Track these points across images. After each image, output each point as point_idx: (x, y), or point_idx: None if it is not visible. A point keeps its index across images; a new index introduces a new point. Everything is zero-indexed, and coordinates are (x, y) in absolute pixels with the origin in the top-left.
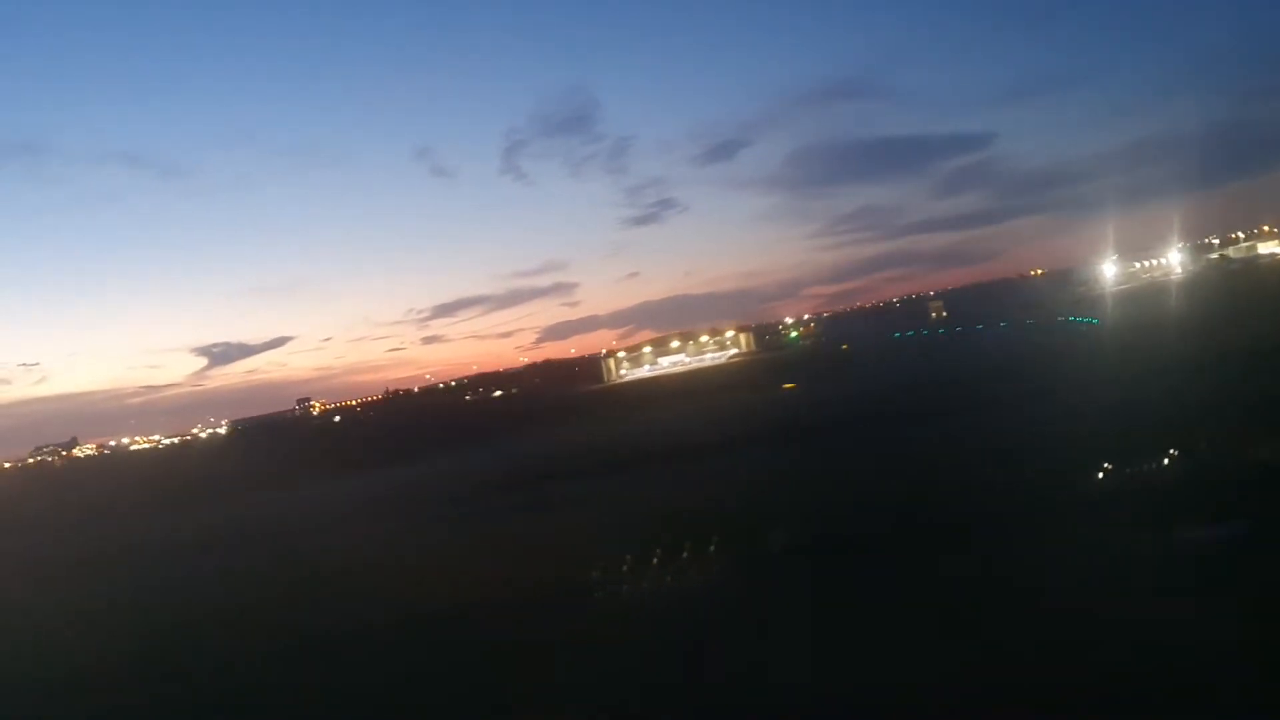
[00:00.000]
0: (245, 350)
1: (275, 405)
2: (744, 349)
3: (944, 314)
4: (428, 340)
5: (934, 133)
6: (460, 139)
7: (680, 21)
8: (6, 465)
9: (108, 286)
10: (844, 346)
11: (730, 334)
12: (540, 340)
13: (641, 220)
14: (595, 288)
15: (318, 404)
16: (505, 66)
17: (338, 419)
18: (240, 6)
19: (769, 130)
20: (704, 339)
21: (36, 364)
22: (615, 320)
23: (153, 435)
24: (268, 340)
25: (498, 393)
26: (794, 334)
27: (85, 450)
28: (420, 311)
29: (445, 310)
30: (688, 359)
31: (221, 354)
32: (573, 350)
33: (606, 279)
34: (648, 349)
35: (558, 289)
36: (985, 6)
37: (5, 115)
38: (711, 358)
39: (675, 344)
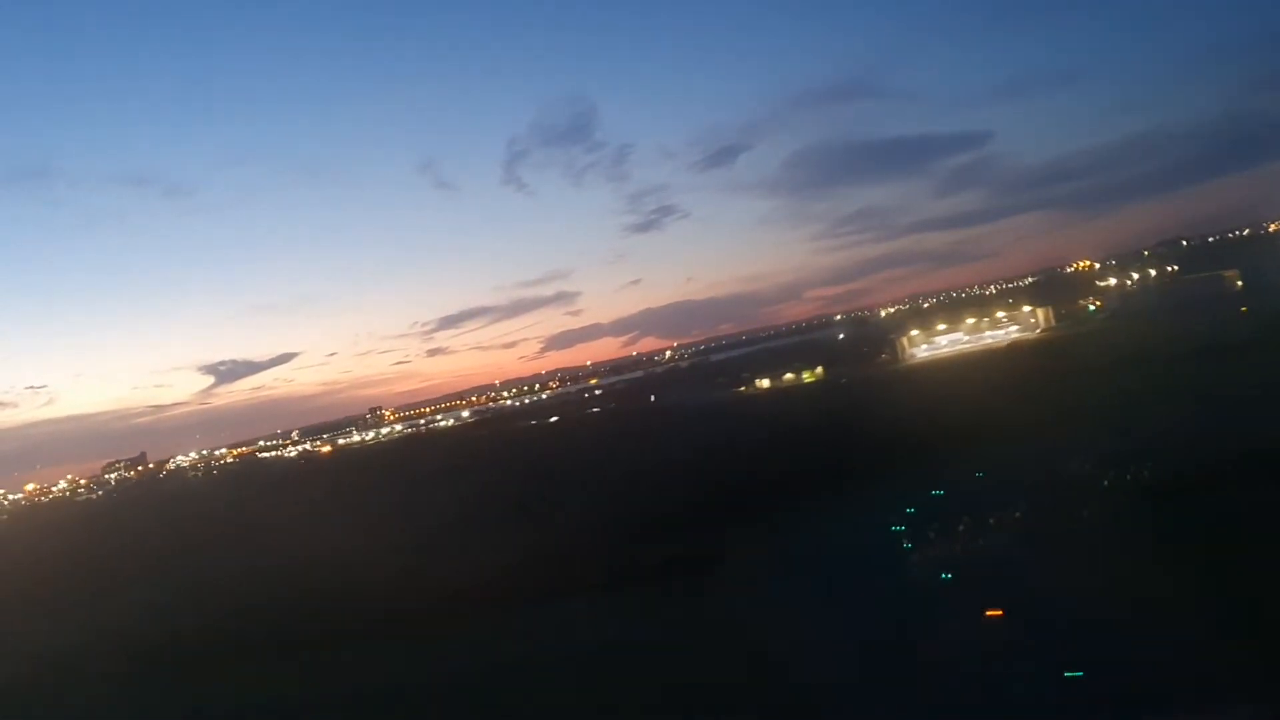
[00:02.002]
0: (251, 367)
1: (282, 422)
2: (1042, 324)
3: (1240, 283)
4: (432, 353)
5: (932, 132)
6: (462, 151)
7: (678, 28)
8: (82, 483)
9: (113, 307)
10: (1244, 310)
11: (1026, 308)
12: (544, 350)
13: (643, 227)
14: (597, 296)
15: (388, 412)
16: (505, 78)
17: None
18: (240, 27)
19: (768, 134)
20: (1000, 314)
21: (44, 386)
22: (618, 328)
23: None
24: (273, 357)
25: (786, 375)
26: (1091, 308)
27: (180, 461)
28: (425, 324)
29: (449, 322)
30: (965, 337)
31: (228, 371)
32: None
33: (608, 287)
34: (942, 325)
35: (560, 298)
36: (980, 6)
37: (11, 140)
38: (991, 335)
39: (971, 320)
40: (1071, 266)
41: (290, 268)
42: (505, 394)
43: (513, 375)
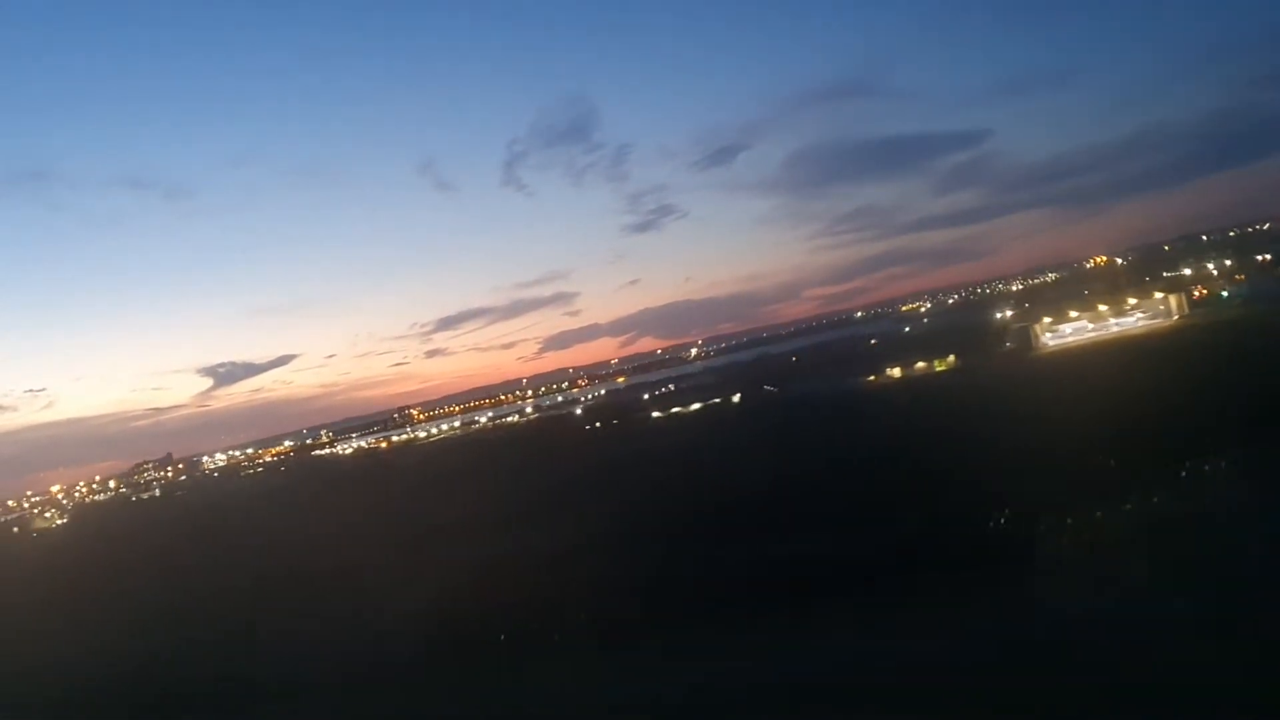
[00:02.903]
0: (250, 369)
1: (282, 425)
2: (1175, 311)
3: None
4: (431, 354)
5: (931, 130)
6: (462, 153)
7: (677, 28)
8: (112, 482)
9: (113, 310)
10: None
11: (1157, 295)
12: (542, 350)
13: (641, 227)
14: (596, 296)
15: (416, 410)
16: (505, 79)
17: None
18: (239, 29)
19: (767, 133)
20: (1132, 300)
21: (43, 390)
22: (616, 328)
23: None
24: (272, 359)
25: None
26: (1225, 293)
27: (217, 461)
28: (423, 325)
29: (448, 324)
30: (1090, 326)
31: (227, 374)
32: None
33: (607, 287)
34: (1073, 312)
35: (559, 299)
36: (979, 4)
37: (12, 144)
38: (1117, 323)
39: (1104, 307)
40: (1090, 262)
41: (290, 269)
42: (530, 392)
43: (512, 375)
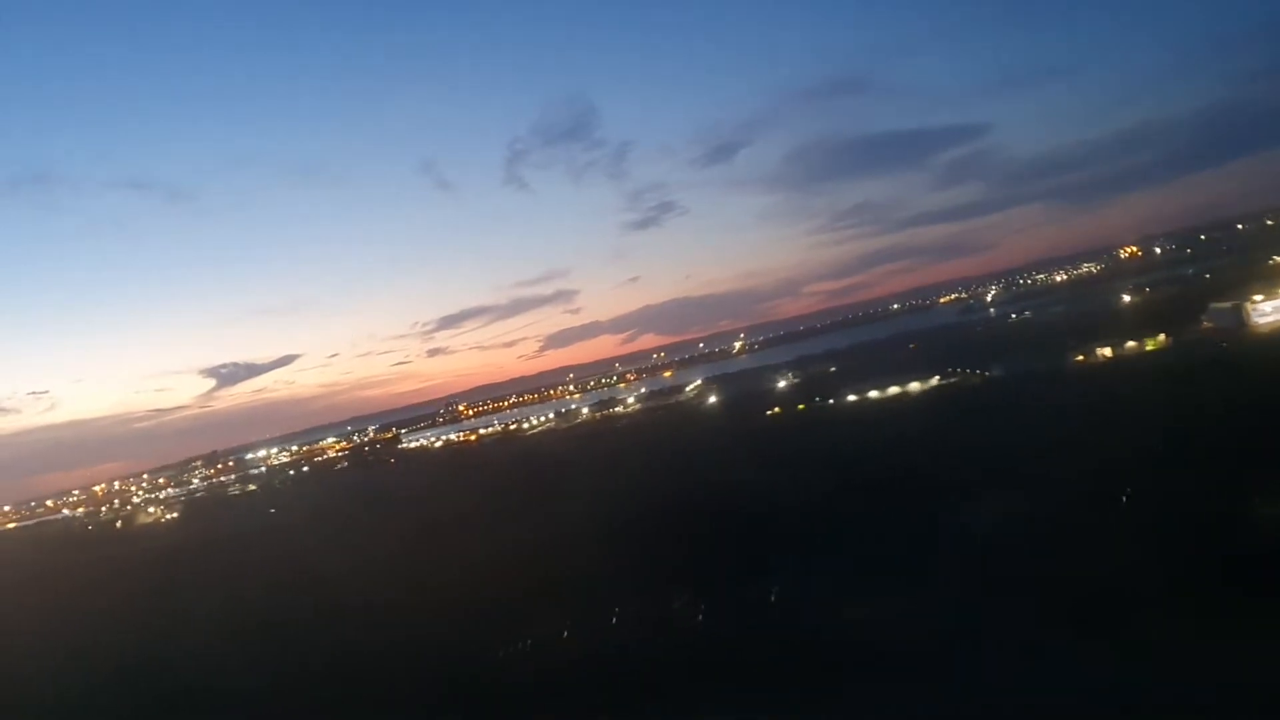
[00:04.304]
0: (253, 370)
1: (284, 424)
2: None
3: None
4: (433, 353)
5: (930, 125)
6: (463, 152)
7: (676, 27)
8: (161, 481)
9: (114, 311)
10: None
11: None
12: (543, 349)
13: (642, 224)
14: (596, 294)
15: (462, 406)
16: (506, 78)
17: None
18: (242, 31)
19: (767, 129)
20: None
21: (46, 392)
22: (617, 326)
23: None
24: (275, 359)
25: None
26: None
27: (280, 457)
28: (425, 324)
29: (449, 322)
30: None
31: (229, 374)
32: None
33: (607, 285)
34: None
35: (559, 296)
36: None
37: (14, 147)
38: None
39: None
40: (1123, 252)
41: (291, 270)
42: (572, 388)
43: (515, 374)
